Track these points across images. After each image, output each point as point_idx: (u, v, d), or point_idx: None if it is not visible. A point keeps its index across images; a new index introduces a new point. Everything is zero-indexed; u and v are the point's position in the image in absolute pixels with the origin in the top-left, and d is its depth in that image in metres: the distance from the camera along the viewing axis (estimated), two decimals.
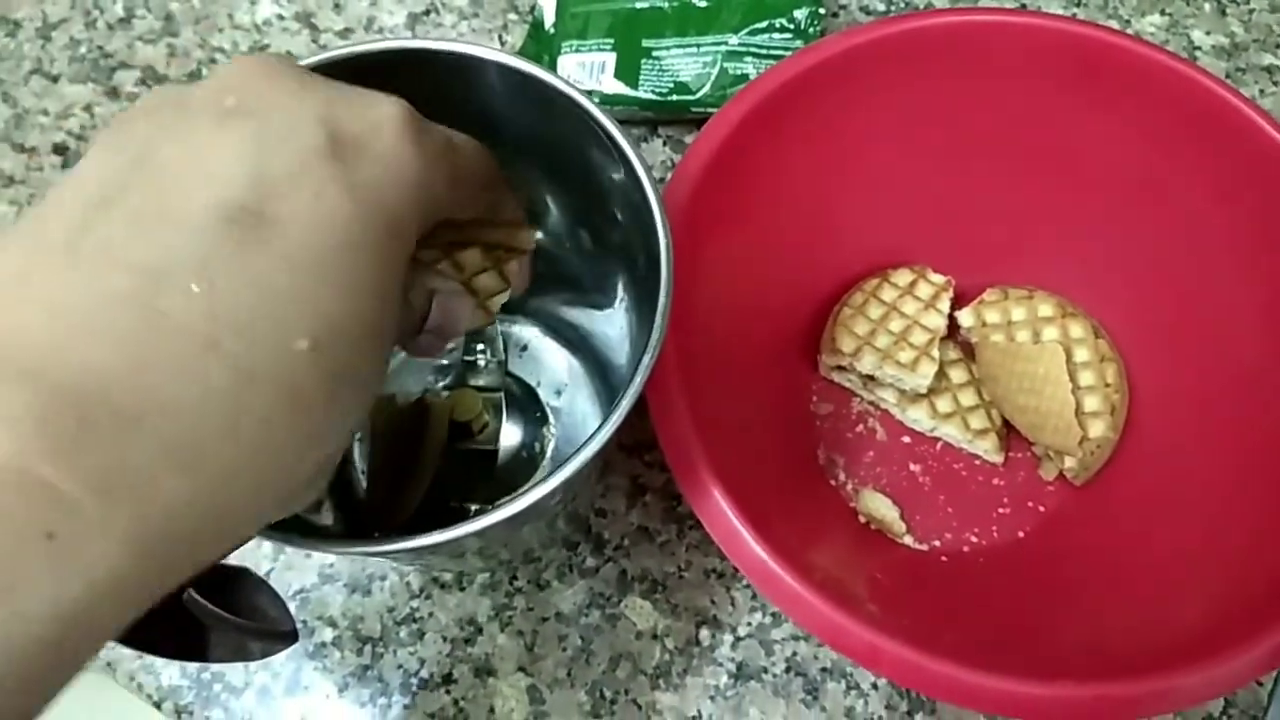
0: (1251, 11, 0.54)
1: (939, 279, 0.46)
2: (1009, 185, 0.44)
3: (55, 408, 0.17)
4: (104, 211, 0.20)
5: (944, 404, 0.45)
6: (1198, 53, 0.53)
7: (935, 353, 0.44)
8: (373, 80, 0.33)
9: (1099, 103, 0.41)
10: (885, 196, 0.44)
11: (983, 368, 0.45)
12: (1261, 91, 0.52)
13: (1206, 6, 0.55)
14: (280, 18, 0.56)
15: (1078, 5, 0.55)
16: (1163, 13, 0.55)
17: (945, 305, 0.45)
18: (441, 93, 0.34)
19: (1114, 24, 0.54)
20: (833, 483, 0.44)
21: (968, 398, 0.45)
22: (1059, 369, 0.43)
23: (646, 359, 0.29)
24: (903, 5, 0.55)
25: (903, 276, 0.46)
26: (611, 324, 0.41)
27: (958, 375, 0.46)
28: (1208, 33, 0.54)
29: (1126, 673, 0.30)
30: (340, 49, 0.32)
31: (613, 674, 0.42)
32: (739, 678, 0.41)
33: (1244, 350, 0.40)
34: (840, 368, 0.45)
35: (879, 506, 0.43)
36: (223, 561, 0.33)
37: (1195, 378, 0.42)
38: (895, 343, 0.44)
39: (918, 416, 0.45)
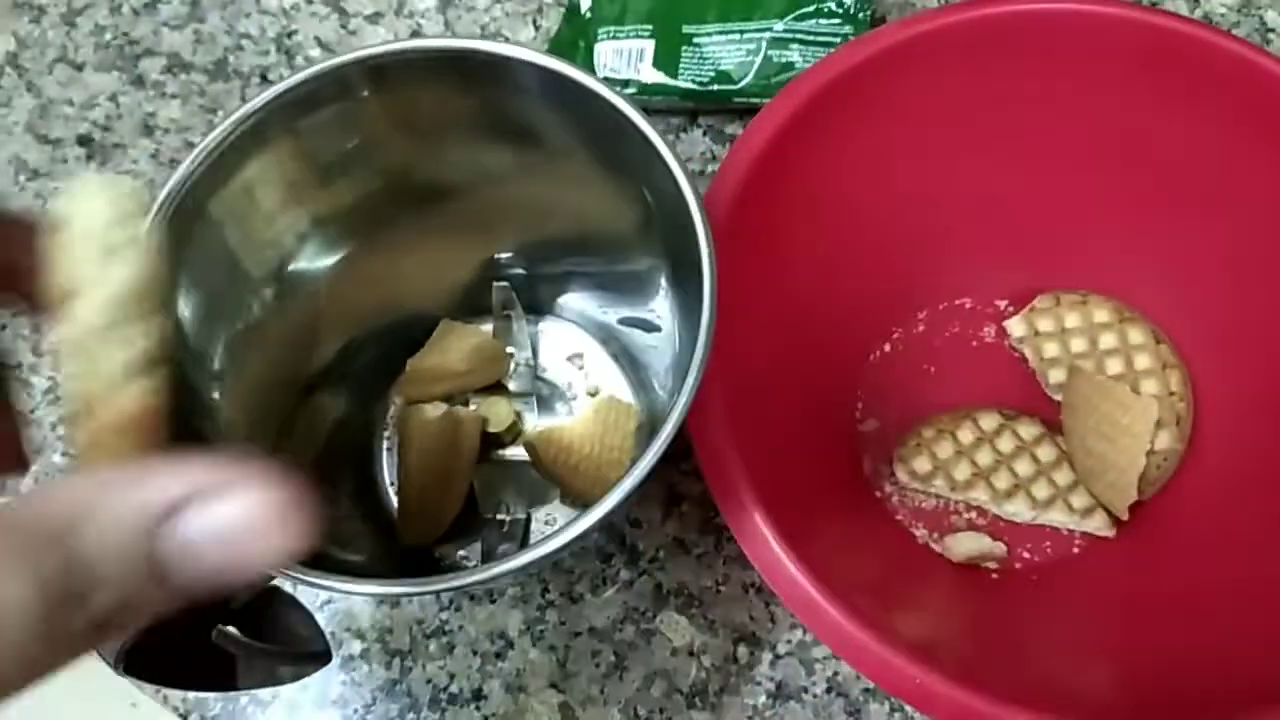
0: None
1: (1031, 430, 0.42)
2: (1068, 183, 0.41)
3: None
4: None
5: (1041, 490, 0.41)
6: (1271, 35, 0.50)
7: (1038, 492, 0.41)
8: (406, 82, 0.32)
9: (1166, 94, 0.38)
10: (936, 196, 0.41)
11: (1067, 394, 0.42)
12: None
13: None
14: (308, 1, 0.54)
15: None
16: None
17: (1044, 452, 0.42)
18: (473, 92, 0.32)
19: (1183, 6, 0.51)
20: (877, 494, 0.42)
21: (1062, 476, 0.41)
22: (1145, 426, 0.39)
23: (690, 379, 0.27)
24: None
25: (989, 420, 0.42)
26: (651, 320, 0.40)
27: (1045, 454, 0.42)
28: None
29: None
30: (361, 51, 0.30)
31: (647, 692, 0.40)
32: (778, 697, 0.40)
33: None
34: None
35: (977, 545, 0.41)
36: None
37: (1263, 386, 0.39)
38: (992, 467, 0.41)
39: (1017, 510, 0.41)
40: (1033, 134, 0.40)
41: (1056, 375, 0.43)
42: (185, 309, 0.30)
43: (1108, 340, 0.42)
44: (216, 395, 0.32)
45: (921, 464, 0.41)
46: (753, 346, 0.36)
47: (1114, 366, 0.42)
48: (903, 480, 0.42)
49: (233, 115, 0.30)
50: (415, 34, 0.53)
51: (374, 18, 0.54)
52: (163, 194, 0.29)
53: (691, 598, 0.42)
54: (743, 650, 0.41)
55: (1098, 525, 0.40)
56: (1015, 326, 0.43)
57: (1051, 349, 0.43)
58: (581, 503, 0.40)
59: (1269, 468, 0.38)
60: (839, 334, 0.43)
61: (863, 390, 0.44)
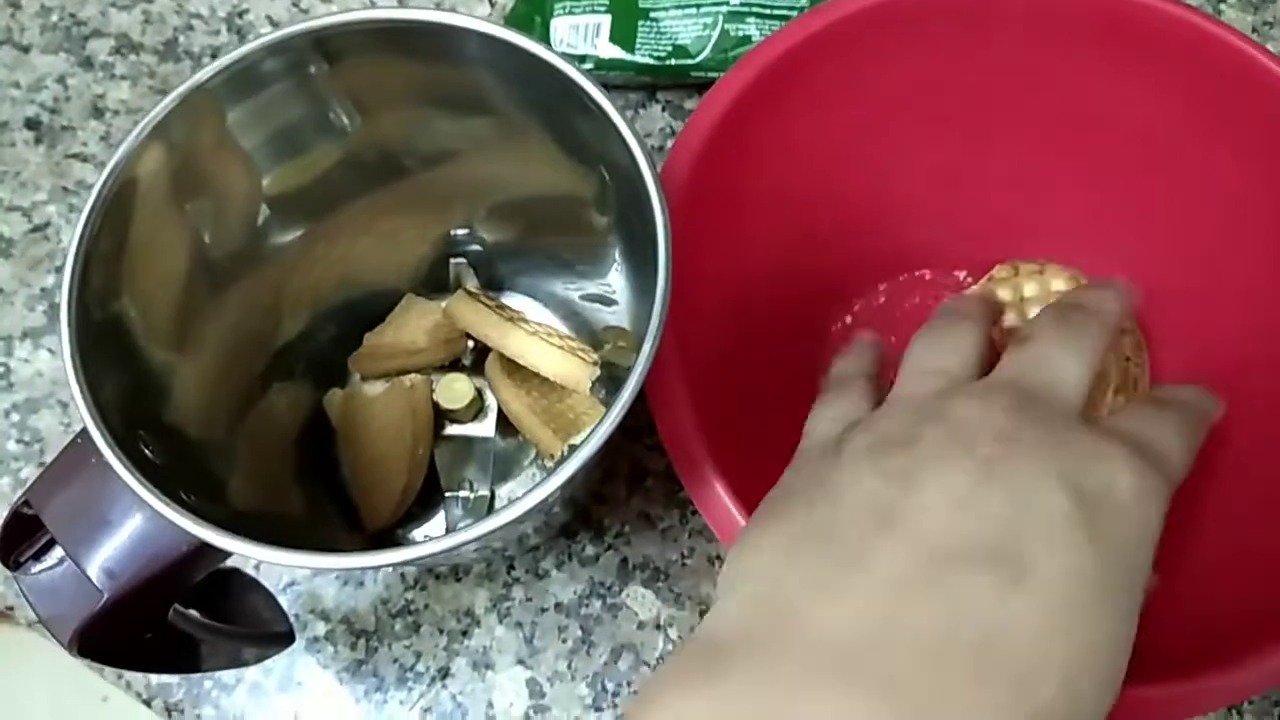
0: None
1: None
2: (1025, 153, 0.41)
3: None
4: (885, 535, 0.23)
5: None
6: (1223, 5, 0.51)
7: None
8: (356, 55, 0.31)
9: (1119, 63, 0.38)
10: (895, 168, 0.41)
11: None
12: None
13: None
14: None
15: None
16: None
17: None
18: (425, 65, 0.32)
19: None
20: None
21: None
22: None
23: (646, 348, 0.27)
24: None
25: None
26: (607, 294, 0.40)
27: None
28: None
29: (1163, 674, 0.29)
30: (310, 21, 0.30)
31: (614, 666, 0.40)
32: None
33: (1275, 318, 0.38)
34: None
35: None
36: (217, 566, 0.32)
37: (1218, 354, 0.40)
38: None
39: None
40: (991, 106, 0.40)
41: None
42: (135, 291, 0.30)
43: None
44: (172, 379, 0.31)
45: None
46: (713, 319, 0.36)
47: None
48: None
49: (174, 91, 0.29)
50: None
51: None
52: (104, 172, 0.28)
53: (657, 571, 0.42)
54: None
55: None
56: None
57: (1010, 318, 0.43)
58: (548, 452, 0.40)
59: (1221, 434, 0.38)
60: (800, 306, 0.43)
61: (825, 361, 0.44)
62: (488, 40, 0.29)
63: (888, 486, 0.24)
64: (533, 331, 0.37)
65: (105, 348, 0.28)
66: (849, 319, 0.45)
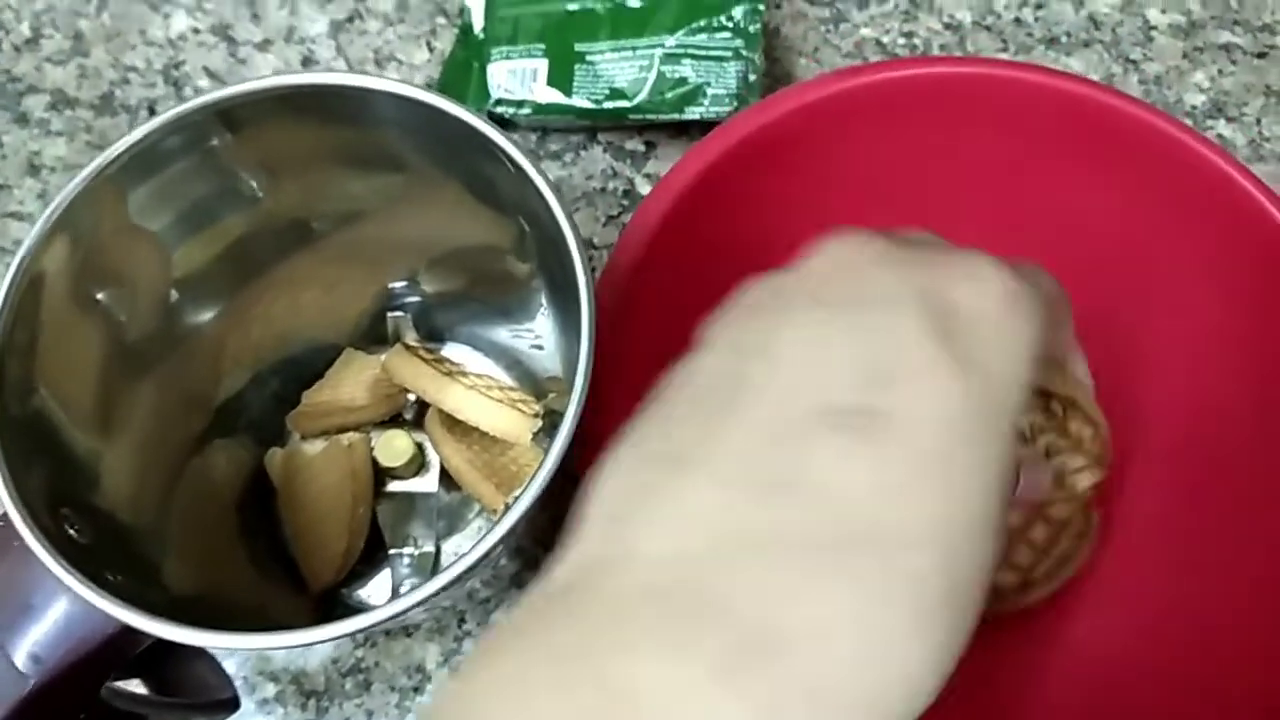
0: None
1: None
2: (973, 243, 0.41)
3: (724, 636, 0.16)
4: (724, 420, 0.19)
5: None
6: (1154, 32, 0.51)
7: None
8: (263, 121, 0.31)
9: (1074, 158, 0.38)
10: None
11: None
12: (1220, 72, 0.50)
13: None
14: (196, 31, 0.53)
15: None
16: None
17: None
18: (335, 127, 0.32)
19: (1068, 6, 0.52)
20: None
21: None
22: None
23: (575, 395, 0.28)
24: None
25: None
26: (536, 341, 0.40)
27: None
28: (1163, 11, 0.52)
29: None
30: (213, 94, 0.29)
31: None
32: None
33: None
34: None
35: None
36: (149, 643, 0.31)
37: (1172, 444, 0.39)
38: None
39: None
40: (936, 193, 0.39)
41: None
42: (52, 383, 0.29)
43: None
44: (99, 464, 0.31)
45: None
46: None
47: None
48: None
49: (74, 180, 0.29)
50: (307, 61, 0.52)
51: (264, 45, 0.53)
52: (11, 268, 0.28)
53: None
54: None
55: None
56: None
57: None
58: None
59: (1178, 524, 0.38)
60: None
61: None
62: (399, 100, 0.29)
63: (738, 361, 0.20)
64: (470, 385, 0.37)
65: (28, 439, 0.28)
66: None
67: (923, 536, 0.17)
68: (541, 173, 0.29)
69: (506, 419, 0.36)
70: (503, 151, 0.29)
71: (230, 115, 0.30)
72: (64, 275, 0.29)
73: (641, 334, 0.34)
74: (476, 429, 0.37)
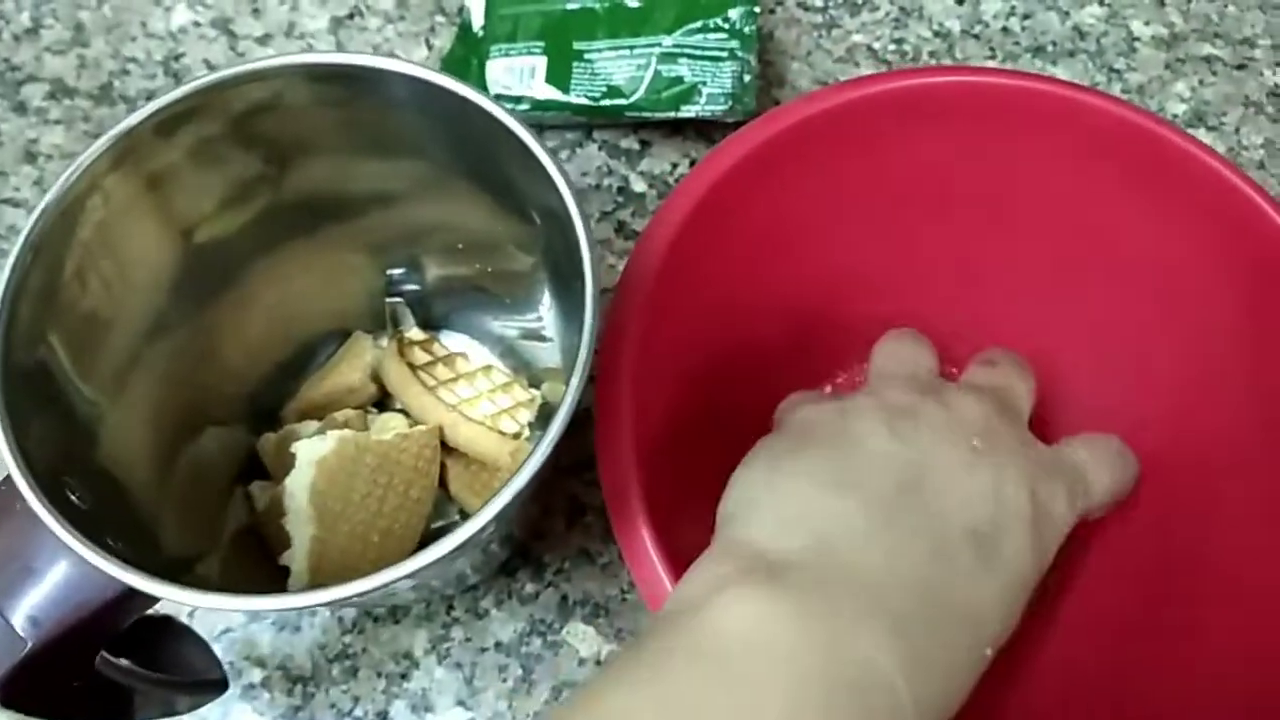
0: (1190, 1, 0.54)
1: None
2: (982, 253, 0.41)
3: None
4: (902, 501, 0.28)
5: None
6: (1137, 43, 0.53)
7: None
8: (278, 101, 0.31)
9: (1077, 163, 0.38)
10: (849, 269, 0.41)
11: None
12: (1201, 82, 0.51)
13: None
14: (196, 24, 0.54)
15: None
16: (1101, 3, 0.54)
17: None
18: (350, 109, 0.32)
19: (1054, 16, 0.53)
20: None
21: None
22: None
23: (574, 382, 0.27)
24: (841, 1, 0.54)
25: None
26: (539, 331, 0.40)
27: None
28: (1146, 23, 0.53)
29: None
30: (240, 67, 0.30)
31: (556, 704, 0.40)
32: None
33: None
34: None
35: None
36: (146, 611, 0.31)
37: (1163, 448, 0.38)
38: None
39: None
40: (945, 205, 0.40)
41: None
42: (64, 331, 0.30)
43: None
44: (101, 422, 0.31)
45: None
46: (667, 399, 0.35)
47: None
48: None
49: (108, 133, 0.29)
50: None
51: (264, 39, 0.53)
52: (34, 213, 0.28)
53: (598, 607, 0.42)
54: None
55: None
56: None
57: None
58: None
59: (1163, 539, 0.38)
60: (753, 391, 0.40)
61: None
62: (410, 82, 0.30)
63: (904, 448, 0.29)
64: (452, 406, 0.37)
65: (32, 391, 0.28)
66: None
67: (993, 629, 0.28)
68: (557, 162, 0.29)
69: (486, 442, 0.36)
70: (521, 142, 0.29)
71: (256, 89, 0.30)
72: (86, 223, 0.29)
73: (662, 333, 0.34)
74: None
